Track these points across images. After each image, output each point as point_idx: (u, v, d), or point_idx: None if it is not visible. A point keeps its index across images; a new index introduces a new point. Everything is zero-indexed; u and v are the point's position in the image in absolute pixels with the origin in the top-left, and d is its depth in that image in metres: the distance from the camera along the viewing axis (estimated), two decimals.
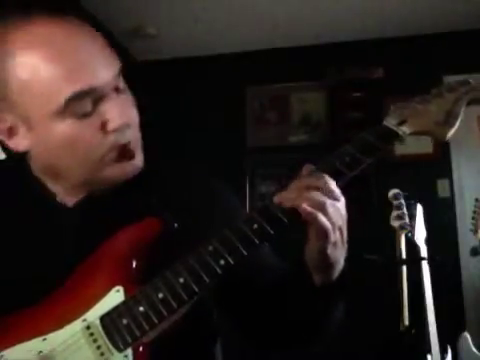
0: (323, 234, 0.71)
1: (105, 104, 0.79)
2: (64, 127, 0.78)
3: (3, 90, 0.79)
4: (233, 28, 3.42)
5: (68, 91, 0.76)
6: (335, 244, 0.72)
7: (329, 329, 0.85)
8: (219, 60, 3.72)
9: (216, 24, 3.35)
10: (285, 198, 0.72)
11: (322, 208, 0.70)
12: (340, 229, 0.72)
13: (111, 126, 0.79)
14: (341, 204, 0.73)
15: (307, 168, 0.75)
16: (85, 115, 0.78)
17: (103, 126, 0.79)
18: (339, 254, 0.74)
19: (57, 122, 0.78)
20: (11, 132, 0.82)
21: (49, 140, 0.80)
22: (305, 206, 0.69)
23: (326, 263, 0.74)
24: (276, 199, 0.73)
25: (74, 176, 0.83)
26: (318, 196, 0.70)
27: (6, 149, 0.90)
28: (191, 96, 3.71)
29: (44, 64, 0.76)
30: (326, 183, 0.71)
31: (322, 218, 0.70)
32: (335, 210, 0.71)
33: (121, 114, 0.80)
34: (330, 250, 0.72)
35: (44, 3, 0.82)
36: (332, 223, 0.71)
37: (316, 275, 0.77)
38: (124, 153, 0.82)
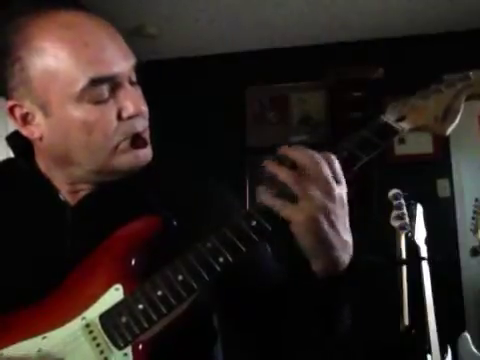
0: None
1: (121, 92, 0.81)
2: (82, 112, 0.79)
3: (24, 75, 0.79)
4: (233, 28, 3.42)
5: (89, 76, 0.77)
6: (320, 225, 0.69)
7: (335, 331, 0.81)
8: (219, 60, 3.72)
9: (216, 24, 3.35)
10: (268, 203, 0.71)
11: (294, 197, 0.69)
12: (327, 211, 0.69)
13: (127, 113, 0.81)
14: (337, 186, 0.70)
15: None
16: (102, 101, 0.79)
17: (119, 113, 0.81)
18: (331, 236, 0.70)
19: (75, 107, 0.79)
20: (26, 119, 0.83)
21: (66, 125, 0.80)
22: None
23: (318, 246, 0.71)
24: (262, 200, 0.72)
25: (88, 164, 0.83)
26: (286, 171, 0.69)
27: (14, 147, 0.91)
28: (191, 96, 3.72)
29: (66, 49, 0.78)
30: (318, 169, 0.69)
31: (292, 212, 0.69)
32: (321, 193, 0.69)
33: (136, 103, 0.82)
34: (317, 230, 0.69)
35: (49, 2, 0.83)
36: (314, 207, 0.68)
37: (314, 261, 0.74)
38: (138, 141, 0.83)
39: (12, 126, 0.86)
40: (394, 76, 3.36)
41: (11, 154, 0.93)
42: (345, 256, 0.74)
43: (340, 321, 0.80)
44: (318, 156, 0.70)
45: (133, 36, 3.30)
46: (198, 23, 3.32)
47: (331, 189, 0.69)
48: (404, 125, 0.80)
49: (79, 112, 0.79)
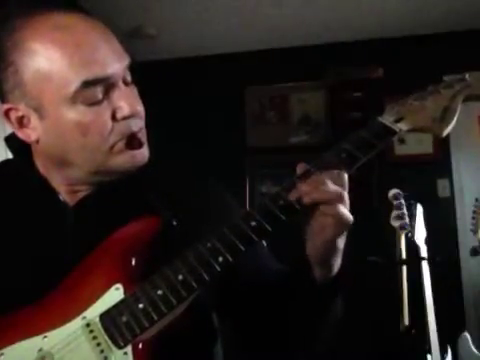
0: (340, 223, 0.72)
1: (115, 93, 0.81)
2: (76, 113, 0.79)
3: (18, 78, 0.79)
4: (233, 28, 3.42)
5: (82, 77, 0.77)
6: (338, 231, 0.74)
7: (328, 328, 0.85)
8: (219, 60, 3.72)
9: (216, 24, 3.35)
10: (303, 192, 0.73)
11: (341, 199, 0.72)
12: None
13: (121, 114, 0.81)
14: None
15: (301, 167, 0.75)
16: (96, 103, 0.79)
17: (114, 114, 0.81)
18: (342, 242, 0.75)
19: (69, 109, 0.79)
20: (22, 122, 0.83)
21: (61, 127, 0.80)
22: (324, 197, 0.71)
23: (331, 252, 0.75)
24: (293, 195, 0.73)
25: (84, 165, 0.83)
26: (336, 188, 0.72)
27: (13, 148, 0.91)
28: (191, 96, 3.72)
29: (58, 50, 0.77)
30: (340, 177, 0.73)
31: (342, 209, 0.71)
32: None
33: (131, 103, 0.82)
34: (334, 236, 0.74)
35: (44, 3, 0.83)
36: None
37: (318, 268, 0.77)
38: (134, 141, 0.83)
39: (10, 127, 0.87)
40: (394, 76, 3.36)
41: (10, 155, 0.93)
42: (339, 260, 0.78)
43: (333, 313, 0.83)
44: (334, 187, 0.72)
45: (132, 37, 3.30)
46: (197, 23, 3.32)
47: (345, 203, 0.73)
48: (402, 126, 0.80)
49: (73, 114, 0.79)
